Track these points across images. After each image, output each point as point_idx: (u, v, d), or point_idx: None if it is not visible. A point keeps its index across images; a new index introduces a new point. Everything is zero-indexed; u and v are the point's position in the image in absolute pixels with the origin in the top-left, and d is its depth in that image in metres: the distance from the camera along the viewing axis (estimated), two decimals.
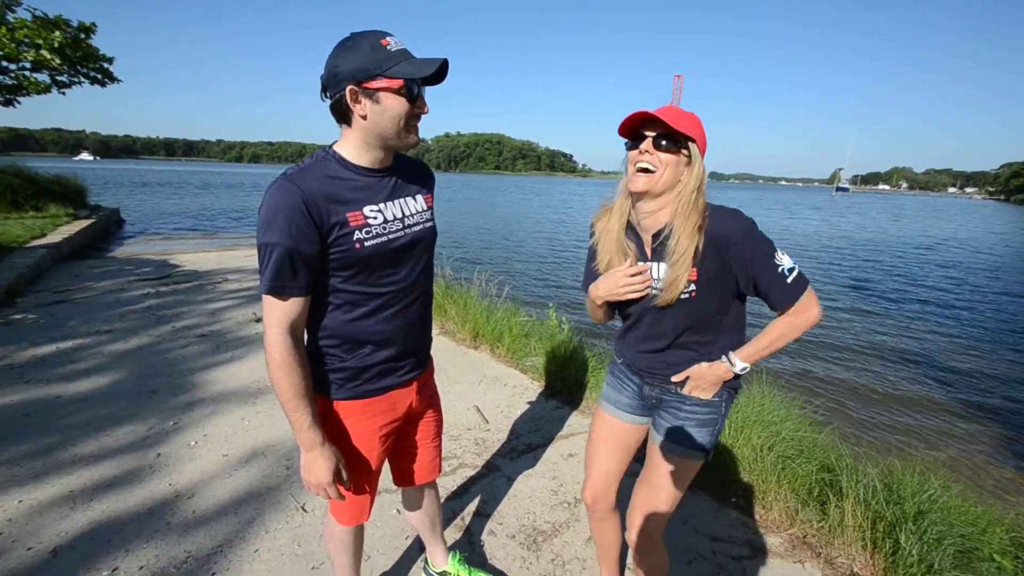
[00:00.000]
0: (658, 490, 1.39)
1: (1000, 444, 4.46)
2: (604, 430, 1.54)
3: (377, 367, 1.25)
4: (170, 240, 11.31)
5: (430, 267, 1.34)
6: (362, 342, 1.22)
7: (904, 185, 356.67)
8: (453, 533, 2.10)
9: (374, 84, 1.05)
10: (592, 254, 1.43)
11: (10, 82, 9.83)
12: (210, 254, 8.47)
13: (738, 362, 1.28)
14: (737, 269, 1.20)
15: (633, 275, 1.28)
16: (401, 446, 1.50)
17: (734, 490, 2.38)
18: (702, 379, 1.31)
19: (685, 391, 1.34)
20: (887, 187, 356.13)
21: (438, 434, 1.57)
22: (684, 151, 1.20)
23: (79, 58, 10.07)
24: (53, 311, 4.79)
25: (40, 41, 9.11)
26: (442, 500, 2.28)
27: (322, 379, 1.23)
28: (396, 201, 1.21)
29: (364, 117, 1.09)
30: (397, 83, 1.05)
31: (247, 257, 8.07)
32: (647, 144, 1.21)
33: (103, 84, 11.11)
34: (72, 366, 3.55)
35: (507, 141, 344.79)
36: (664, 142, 1.19)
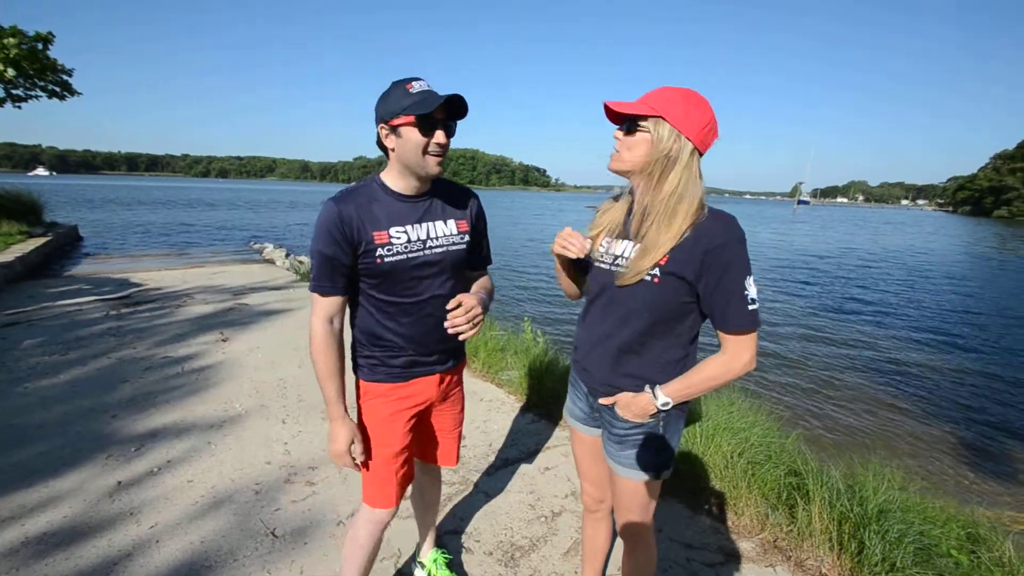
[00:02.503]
0: (625, 510, 1.43)
1: (957, 443, 4.67)
2: (577, 443, 1.58)
3: (399, 360, 1.45)
4: (132, 258, 10.90)
5: (457, 283, 1.48)
6: (386, 339, 1.43)
7: (860, 198, 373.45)
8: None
9: (397, 121, 1.26)
10: (592, 225, 1.46)
11: None
12: (175, 272, 8.21)
13: (661, 395, 1.25)
14: (707, 271, 1.16)
15: (574, 235, 1.35)
16: (423, 431, 1.65)
17: (706, 497, 2.42)
18: (627, 407, 1.31)
19: (618, 412, 1.33)
20: (845, 200, 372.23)
21: (458, 424, 1.72)
22: (643, 130, 1.20)
23: (36, 70, 9.72)
24: (5, 334, 4.55)
25: None
26: None
27: (358, 363, 1.49)
28: (424, 224, 1.39)
29: (394, 150, 1.31)
30: (411, 118, 1.24)
31: (215, 275, 7.86)
32: (616, 131, 1.27)
33: (62, 97, 10.74)
34: (27, 392, 3.37)
35: (481, 156, 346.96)
36: (626, 126, 1.24)
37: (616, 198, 1.43)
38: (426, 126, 1.26)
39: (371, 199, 1.35)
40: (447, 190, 1.47)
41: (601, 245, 1.37)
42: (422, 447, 1.69)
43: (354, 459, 1.42)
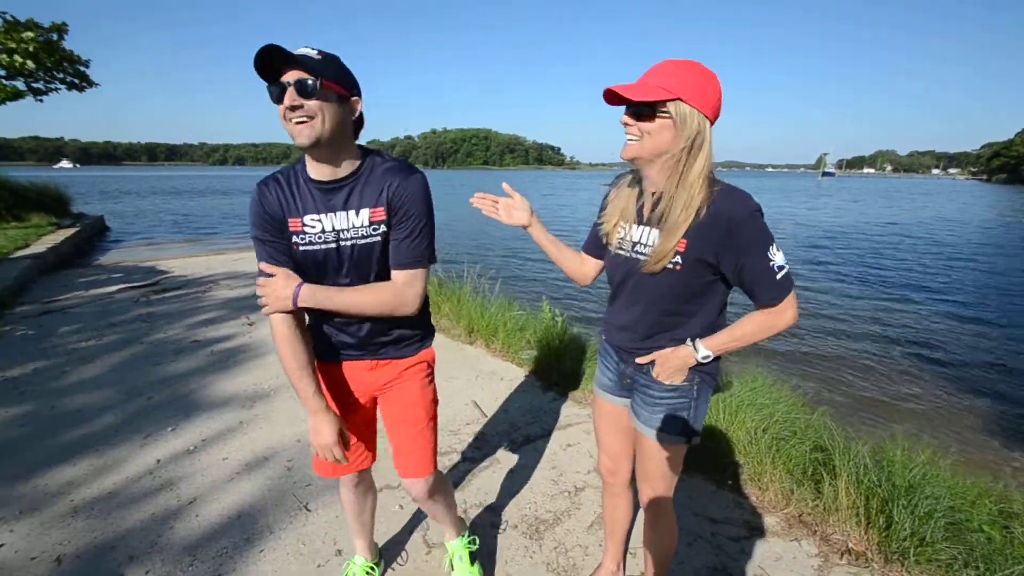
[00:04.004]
0: (650, 476, 1.45)
1: (989, 418, 4.56)
2: (599, 412, 1.60)
3: (327, 342, 1.43)
4: (157, 246, 11.19)
5: (371, 276, 1.33)
6: (315, 323, 1.42)
7: (889, 168, 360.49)
8: None
9: None
10: (601, 207, 1.45)
11: None
12: (199, 259, 8.39)
13: (702, 348, 1.25)
14: (729, 252, 1.15)
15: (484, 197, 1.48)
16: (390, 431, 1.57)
17: (730, 472, 2.42)
18: (666, 363, 1.30)
19: (654, 374, 1.33)
20: (872, 170, 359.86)
21: (412, 422, 1.50)
22: (664, 114, 1.13)
23: (54, 63, 9.86)
24: (43, 322, 4.73)
25: (13, 45, 8.91)
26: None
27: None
28: (340, 213, 1.27)
29: None
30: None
31: (237, 261, 8.01)
32: (626, 116, 1.19)
33: (80, 89, 10.89)
34: (65, 376, 3.52)
35: (494, 136, 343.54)
36: (641, 110, 1.15)
37: (620, 183, 1.40)
38: (272, 91, 1.14)
39: (292, 184, 1.27)
40: (374, 171, 1.28)
41: (618, 232, 1.36)
42: (395, 458, 1.55)
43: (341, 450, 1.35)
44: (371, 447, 1.62)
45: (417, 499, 1.60)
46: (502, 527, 2.13)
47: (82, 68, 10.68)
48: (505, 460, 2.61)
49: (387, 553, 1.97)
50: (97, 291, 5.94)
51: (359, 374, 1.48)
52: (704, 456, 2.48)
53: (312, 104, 1.13)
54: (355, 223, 1.26)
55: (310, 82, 1.12)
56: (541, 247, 1.58)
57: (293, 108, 1.12)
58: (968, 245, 15.68)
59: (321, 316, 1.37)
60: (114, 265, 7.94)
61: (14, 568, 1.84)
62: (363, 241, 1.28)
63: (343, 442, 1.35)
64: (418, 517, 2.17)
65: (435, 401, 1.59)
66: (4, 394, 3.23)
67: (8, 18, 9.04)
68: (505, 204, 1.50)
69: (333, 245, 1.27)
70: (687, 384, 1.31)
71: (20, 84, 9.83)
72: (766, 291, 1.17)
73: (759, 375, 3.14)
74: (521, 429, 2.92)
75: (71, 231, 9.62)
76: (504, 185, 1.55)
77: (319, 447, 1.33)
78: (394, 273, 1.32)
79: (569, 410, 3.14)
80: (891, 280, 10.34)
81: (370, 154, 1.31)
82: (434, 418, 1.57)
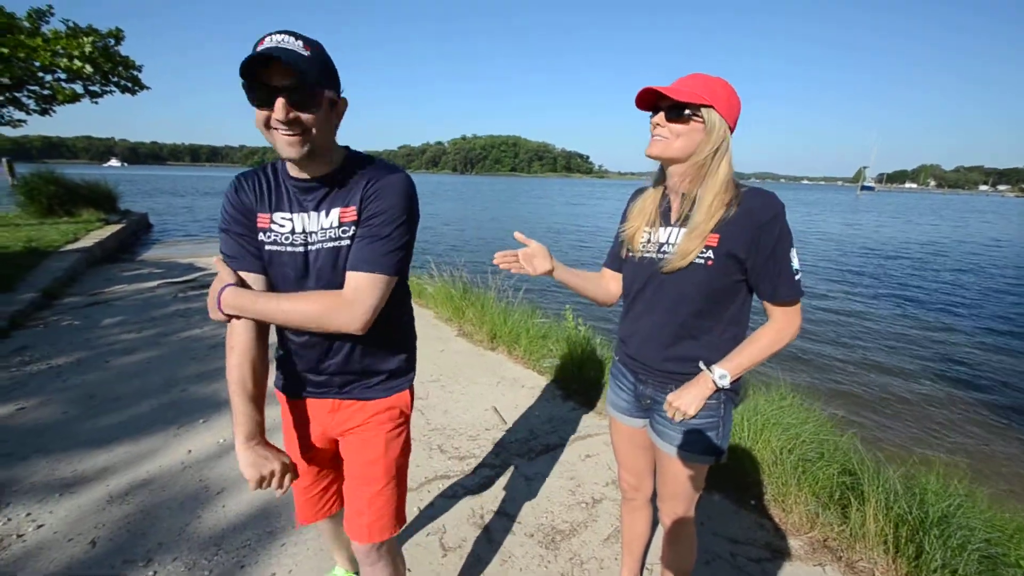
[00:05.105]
0: (672, 496, 1.44)
1: None
2: (617, 433, 1.58)
3: (291, 373, 1.28)
4: (197, 243, 11.61)
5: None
6: (283, 351, 1.29)
7: (932, 183, 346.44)
8: (472, 531, 2.14)
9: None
10: (623, 218, 1.47)
11: (46, 92, 10.23)
12: None
13: (717, 370, 1.24)
14: (757, 247, 1.18)
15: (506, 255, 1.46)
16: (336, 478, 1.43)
17: (753, 492, 2.37)
18: (683, 398, 1.27)
19: (675, 419, 1.29)
20: (914, 185, 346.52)
21: (370, 482, 1.27)
22: (697, 119, 1.19)
23: (111, 67, 10.43)
24: (88, 313, 4.98)
25: (75, 52, 9.47)
26: (462, 498, 2.33)
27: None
28: (312, 214, 1.13)
29: None
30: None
31: None
32: (659, 117, 1.24)
33: (133, 92, 11.47)
34: (106, 367, 3.69)
35: (523, 143, 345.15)
36: (676, 113, 1.20)
37: (641, 190, 1.43)
38: (255, 96, 0.99)
39: (267, 180, 1.18)
40: (352, 171, 1.14)
41: (642, 236, 1.36)
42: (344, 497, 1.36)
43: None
44: (340, 490, 1.46)
45: (361, 562, 1.34)
46: (518, 535, 2.13)
47: (135, 72, 11.26)
48: (523, 467, 2.62)
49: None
50: (139, 285, 6.22)
51: (320, 414, 1.30)
52: (726, 475, 2.43)
53: (307, 118, 1.01)
54: (323, 224, 1.12)
55: (307, 93, 0.99)
56: (568, 286, 1.53)
57: (283, 122, 0.99)
58: (1017, 267, 14.92)
59: (286, 342, 1.25)
60: (156, 261, 8.29)
61: (52, 548, 1.94)
62: (330, 244, 1.12)
63: (280, 475, 1.11)
64: (429, 519, 2.19)
65: (404, 454, 1.34)
66: (49, 381, 3.42)
67: (71, 25, 9.62)
68: (525, 255, 1.47)
69: (301, 248, 1.13)
70: (714, 401, 1.30)
71: (78, 87, 10.43)
72: (783, 287, 1.20)
73: (787, 394, 3.06)
74: (540, 437, 2.92)
75: (117, 227, 10.10)
76: (517, 235, 1.52)
77: (250, 481, 1.09)
78: (349, 275, 1.10)
79: (589, 420, 3.13)
80: (936, 301, 9.92)
81: (353, 154, 1.18)
82: (399, 476, 1.32)
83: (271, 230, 1.14)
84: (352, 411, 1.28)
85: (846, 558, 2.01)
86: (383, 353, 1.27)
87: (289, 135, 1.01)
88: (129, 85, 11.33)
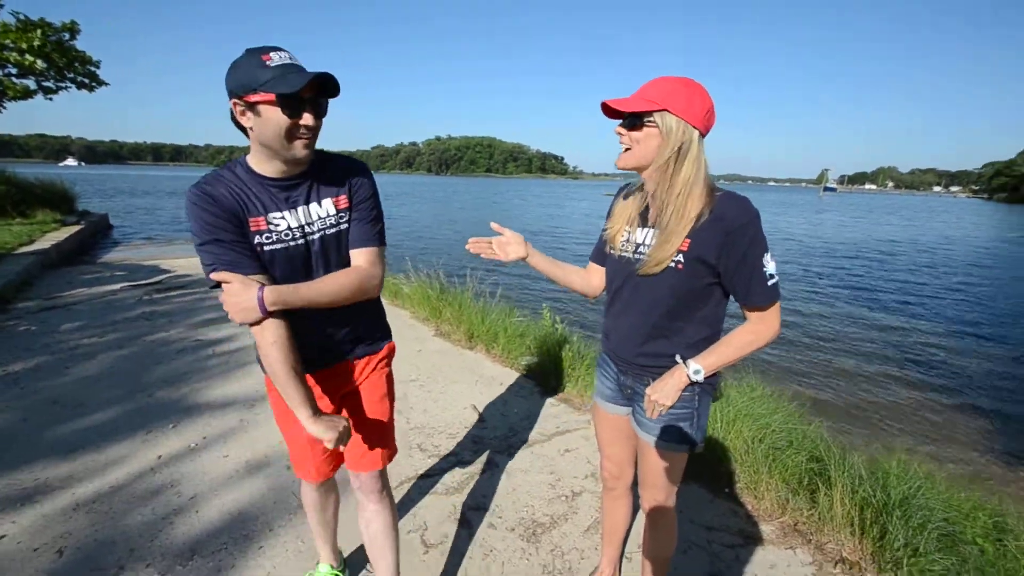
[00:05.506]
0: (652, 484, 1.48)
1: (986, 433, 4.58)
2: (600, 421, 1.62)
3: (308, 352, 1.31)
4: (160, 245, 11.22)
5: (339, 266, 1.33)
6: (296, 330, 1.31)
7: (890, 184, 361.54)
8: (453, 527, 2.14)
9: (254, 98, 1.10)
10: (608, 215, 1.49)
11: None
12: None
13: (692, 364, 1.27)
14: (728, 252, 1.20)
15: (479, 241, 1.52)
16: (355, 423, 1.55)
17: (727, 481, 2.44)
18: (659, 391, 1.29)
19: (651, 415, 1.32)
20: (873, 187, 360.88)
21: (384, 414, 1.53)
22: (651, 124, 1.20)
23: (65, 62, 9.97)
24: (45, 318, 4.76)
25: (24, 45, 9.01)
26: (442, 495, 2.34)
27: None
28: (302, 208, 1.25)
29: (252, 129, 1.15)
30: (271, 96, 1.09)
31: None
32: (618, 128, 1.27)
33: (91, 88, 10.99)
34: (67, 372, 3.54)
35: (498, 144, 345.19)
36: (631, 121, 1.23)
37: (626, 192, 1.46)
38: (291, 107, 1.11)
39: (240, 184, 1.20)
40: (327, 166, 1.29)
41: (622, 235, 1.39)
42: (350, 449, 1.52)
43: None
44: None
45: (366, 494, 1.53)
46: (499, 529, 2.14)
47: (92, 68, 10.79)
48: (503, 464, 2.63)
49: None
50: (100, 288, 5.98)
51: (332, 379, 1.45)
52: (701, 464, 2.49)
53: (319, 124, 1.17)
54: (320, 214, 1.27)
55: (326, 104, 1.16)
56: (543, 273, 1.58)
57: (309, 128, 1.14)
58: (968, 261, 15.74)
59: (294, 326, 1.27)
60: (117, 263, 7.97)
61: (17, 559, 1.86)
62: (331, 231, 1.29)
63: (347, 432, 1.26)
64: (410, 517, 2.19)
65: (393, 386, 1.63)
66: (6, 388, 3.26)
67: (21, 18, 9.15)
68: (499, 243, 1.52)
69: (301, 241, 1.25)
70: (688, 394, 1.33)
71: (31, 83, 9.93)
72: (758, 294, 1.21)
73: (757, 386, 3.17)
74: (519, 434, 2.94)
75: (75, 228, 9.68)
76: (493, 224, 1.58)
77: (329, 441, 1.21)
78: (357, 253, 1.32)
79: (568, 416, 3.16)
80: (894, 296, 10.39)
81: (318, 151, 1.30)
82: (393, 406, 1.59)
83: (269, 231, 1.22)
84: (362, 365, 1.49)
85: (815, 541, 2.09)
86: (375, 313, 1.50)
87: (308, 139, 1.16)
88: (86, 81, 10.86)
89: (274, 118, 1.11)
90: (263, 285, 1.16)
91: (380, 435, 1.52)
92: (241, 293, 1.14)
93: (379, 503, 1.55)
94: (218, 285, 1.17)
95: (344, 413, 1.51)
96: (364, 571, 1.90)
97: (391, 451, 1.57)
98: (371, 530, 1.56)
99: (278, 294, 1.16)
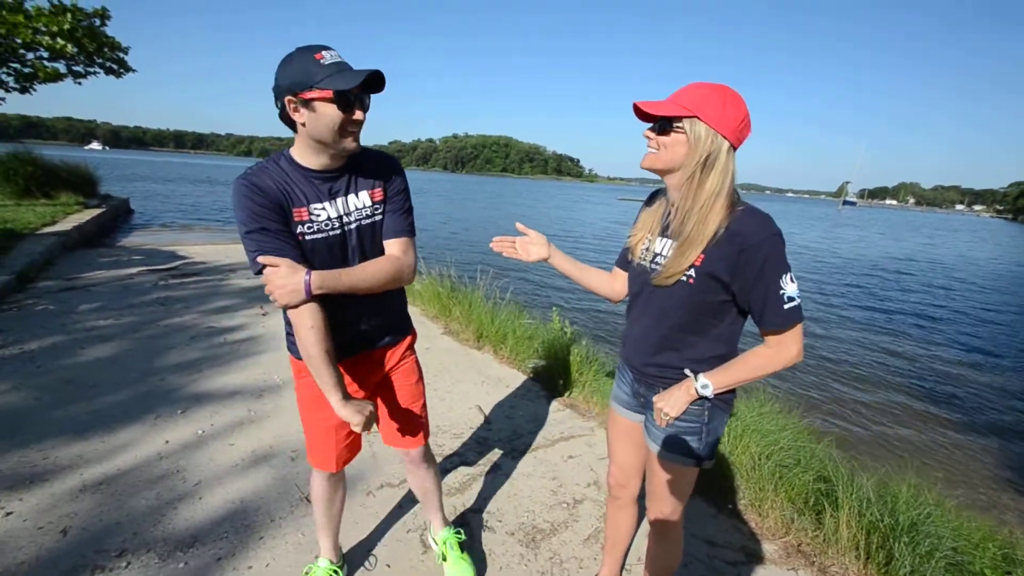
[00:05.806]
0: (658, 496, 1.46)
1: (1000, 462, 4.47)
2: (613, 426, 1.61)
3: (344, 339, 1.40)
4: (179, 232, 11.39)
5: (374, 254, 1.42)
6: (334, 320, 1.36)
7: (911, 200, 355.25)
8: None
9: (310, 95, 1.17)
10: (635, 221, 1.48)
11: (27, 70, 9.92)
12: (218, 247, 8.54)
13: (701, 378, 1.25)
14: (742, 272, 1.16)
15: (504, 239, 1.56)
16: (385, 409, 1.67)
17: (731, 497, 2.41)
18: (666, 401, 1.29)
19: (659, 422, 1.32)
20: (894, 202, 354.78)
21: (420, 395, 1.70)
22: (680, 131, 1.18)
23: (95, 47, 10.16)
24: (64, 298, 4.85)
25: (55, 28, 9.20)
26: (443, 495, 2.32)
27: (290, 340, 1.45)
28: (341, 199, 1.34)
29: (304, 124, 1.22)
30: (328, 93, 1.17)
31: None
32: (647, 131, 1.26)
33: (119, 74, 11.17)
34: (82, 353, 3.61)
35: (514, 144, 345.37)
36: (661, 125, 1.21)
37: (653, 198, 1.44)
38: (344, 102, 1.19)
39: (284, 176, 1.27)
40: (362, 159, 1.38)
41: (643, 244, 1.38)
42: (386, 428, 1.68)
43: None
44: (360, 438, 1.67)
45: (416, 465, 1.75)
46: (499, 533, 2.13)
47: (121, 54, 10.98)
48: (506, 467, 2.62)
49: (384, 552, 1.99)
50: (118, 271, 6.08)
51: (365, 366, 1.54)
52: (706, 479, 2.46)
53: (365, 118, 1.26)
54: (357, 205, 1.36)
55: (369, 100, 1.26)
56: (565, 274, 1.59)
57: (358, 123, 1.24)
58: (991, 284, 15.39)
59: (329, 314, 1.33)
60: (136, 247, 8.11)
61: (21, 536, 1.89)
62: (367, 221, 1.38)
63: (374, 417, 1.34)
64: (411, 516, 2.19)
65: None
66: (22, 365, 3.33)
67: (55, 2, 9.35)
68: (522, 243, 1.55)
69: (339, 231, 1.34)
70: (697, 408, 1.31)
71: (61, 66, 10.14)
72: (772, 317, 1.17)
73: (767, 401, 3.12)
74: (524, 437, 2.93)
75: (97, 211, 9.85)
76: (518, 225, 1.60)
77: (356, 425, 1.28)
78: (392, 243, 1.42)
79: (573, 422, 3.15)
80: (911, 319, 10.17)
81: None
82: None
83: (311, 220, 1.30)
84: (395, 351, 1.60)
85: (819, 563, 2.05)
86: (400, 303, 1.61)
87: (356, 132, 1.26)
88: (114, 67, 11.04)
89: (329, 113, 1.19)
90: (309, 270, 1.23)
91: (420, 416, 1.69)
92: (289, 276, 1.21)
93: (428, 470, 1.79)
94: (260, 272, 1.24)
95: (379, 401, 1.65)
96: (362, 568, 1.90)
97: (429, 427, 1.76)
98: (425, 486, 1.82)
99: (323, 279, 1.24)
